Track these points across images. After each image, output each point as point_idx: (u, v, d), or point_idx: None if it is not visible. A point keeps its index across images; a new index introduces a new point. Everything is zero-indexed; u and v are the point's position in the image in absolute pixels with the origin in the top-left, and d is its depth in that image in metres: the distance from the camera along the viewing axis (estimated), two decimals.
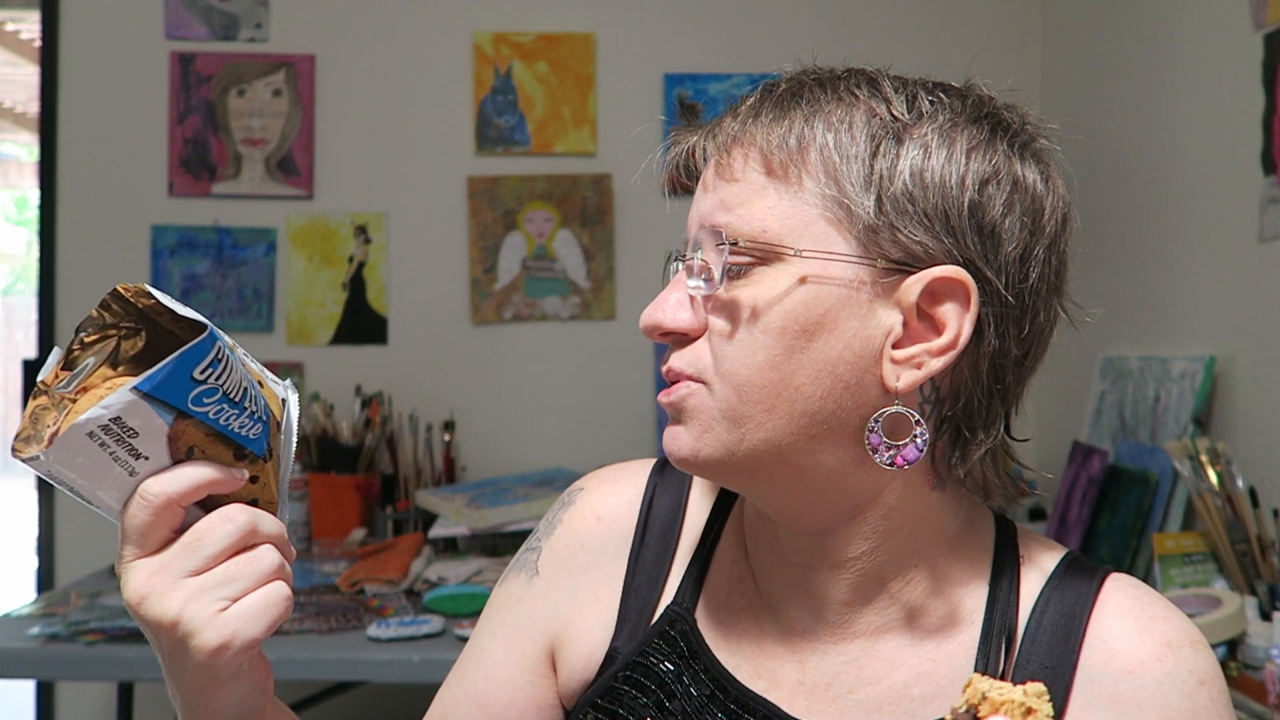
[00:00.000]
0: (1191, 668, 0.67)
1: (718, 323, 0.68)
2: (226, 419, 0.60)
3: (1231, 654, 1.52)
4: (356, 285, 2.70)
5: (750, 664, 0.74)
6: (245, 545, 0.63)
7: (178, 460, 0.61)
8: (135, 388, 0.56)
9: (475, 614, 1.83)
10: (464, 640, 1.67)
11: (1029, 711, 0.53)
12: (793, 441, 0.67)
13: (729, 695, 0.73)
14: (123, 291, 0.60)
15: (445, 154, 2.73)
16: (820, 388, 0.66)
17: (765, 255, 0.66)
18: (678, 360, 0.69)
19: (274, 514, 0.66)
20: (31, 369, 2.65)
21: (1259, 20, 1.80)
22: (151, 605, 0.61)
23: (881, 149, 0.66)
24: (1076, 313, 0.72)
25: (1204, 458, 1.72)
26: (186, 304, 0.61)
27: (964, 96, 0.70)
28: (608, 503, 0.84)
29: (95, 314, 0.61)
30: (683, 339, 0.70)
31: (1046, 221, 0.68)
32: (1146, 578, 1.84)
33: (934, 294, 0.65)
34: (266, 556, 0.63)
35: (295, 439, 0.69)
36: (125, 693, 2.38)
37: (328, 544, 2.44)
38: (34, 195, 7.15)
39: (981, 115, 0.69)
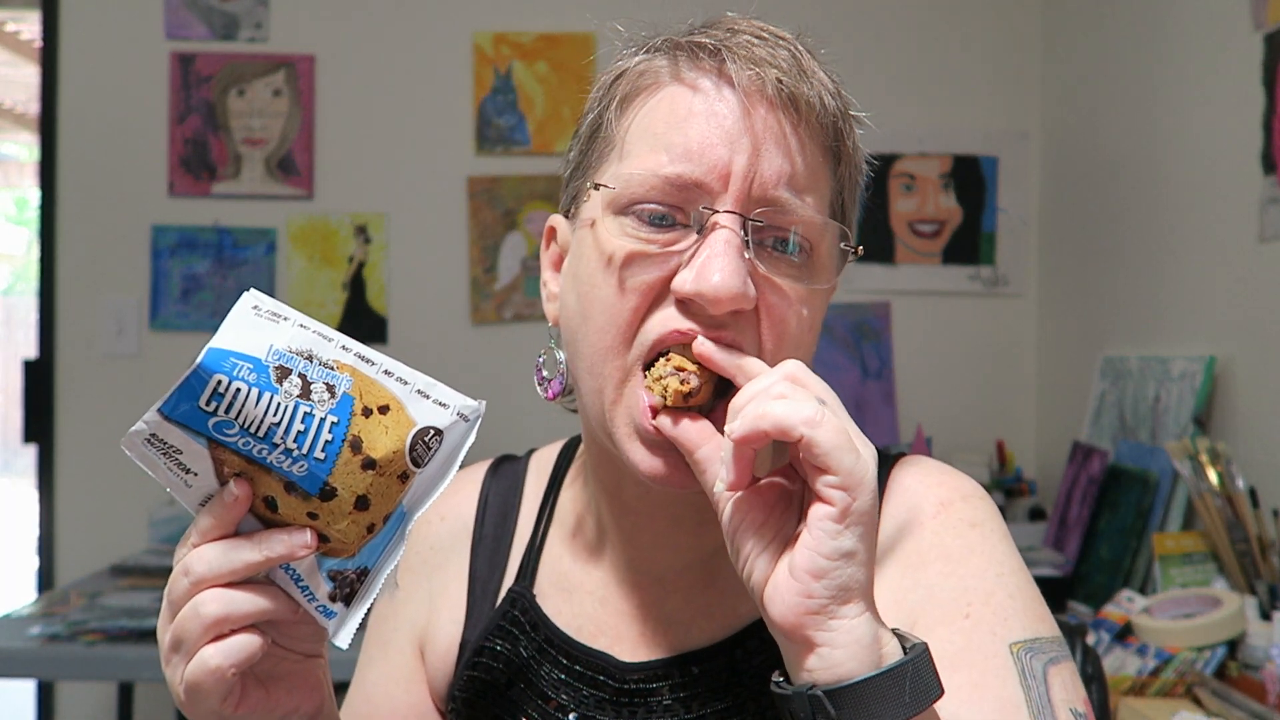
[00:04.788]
0: (962, 516, 0.71)
1: (791, 302, 0.66)
2: (259, 451, 0.59)
3: (1231, 654, 1.52)
4: (356, 285, 2.70)
5: (592, 624, 0.77)
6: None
7: (225, 483, 0.60)
8: (159, 409, 0.58)
9: None
10: None
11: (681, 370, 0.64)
12: None
13: (572, 658, 0.76)
14: None
15: (445, 154, 2.72)
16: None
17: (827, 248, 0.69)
18: (736, 340, 0.65)
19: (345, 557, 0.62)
20: (31, 369, 2.65)
21: (1259, 20, 1.80)
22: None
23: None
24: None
25: (1204, 458, 1.72)
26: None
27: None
28: (449, 502, 0.87)
29: None
30: (732, 317, 0.65)
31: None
32: (1147, 578, 1.84)
33: None
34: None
35: (442, 475, 0.68)
36: (125, 693, 2.39)
37: None
38: (34, 195, 7.15)
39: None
